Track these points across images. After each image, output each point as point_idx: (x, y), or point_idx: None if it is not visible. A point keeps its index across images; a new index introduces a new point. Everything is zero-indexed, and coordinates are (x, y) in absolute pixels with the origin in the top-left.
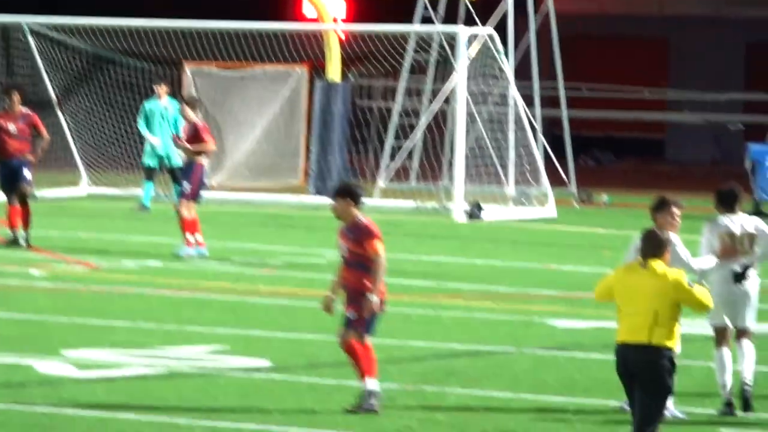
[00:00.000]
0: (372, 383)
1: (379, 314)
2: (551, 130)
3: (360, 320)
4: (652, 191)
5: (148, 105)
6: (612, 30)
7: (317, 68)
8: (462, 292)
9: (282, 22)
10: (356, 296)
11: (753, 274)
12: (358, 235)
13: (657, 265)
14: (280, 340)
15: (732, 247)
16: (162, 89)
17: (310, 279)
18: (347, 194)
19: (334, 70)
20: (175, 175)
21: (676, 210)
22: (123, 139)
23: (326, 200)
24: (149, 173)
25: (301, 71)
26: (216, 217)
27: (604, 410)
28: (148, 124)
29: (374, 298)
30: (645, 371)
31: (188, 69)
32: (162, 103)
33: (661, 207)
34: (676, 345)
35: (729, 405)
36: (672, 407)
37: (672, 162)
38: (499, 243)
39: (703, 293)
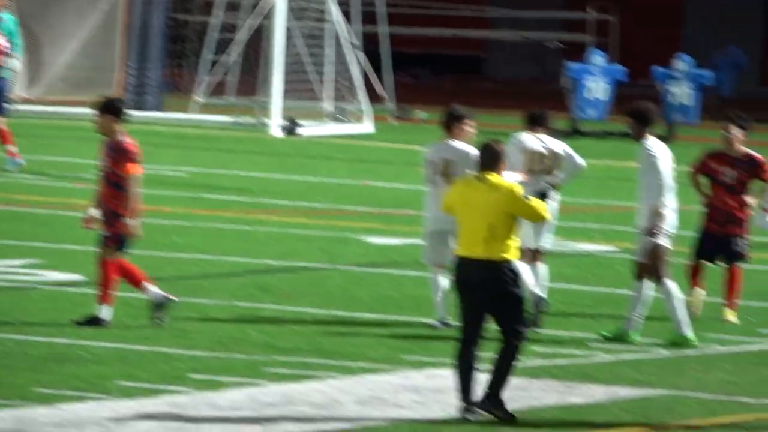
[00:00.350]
0: (105, 311)
1: (135, 236)
2: (370, 46)
3: (113, 238)
4: (471, 108)
5: None
6: None
7: None
8: (277, 207)
9: None
10: (110, 215)
11: (553, 196)
12: (117, 154)
13: (493, 178)
14: (95, 254)
15: (532, 164)
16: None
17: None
18: (110, 110)
19: None
20: (3, 87)
21: (469, 122)
22: None
23: (144, 114)
24: None
25: None
26: (32, 130)
27: (417, 326)
28: None
29: (130, 221)
30: (490, 287)
31: None
32: None
33: (455, 119)
34: (514, 256)
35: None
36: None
37: (490, 79)
38: (315, 159)
39: (539, 205)
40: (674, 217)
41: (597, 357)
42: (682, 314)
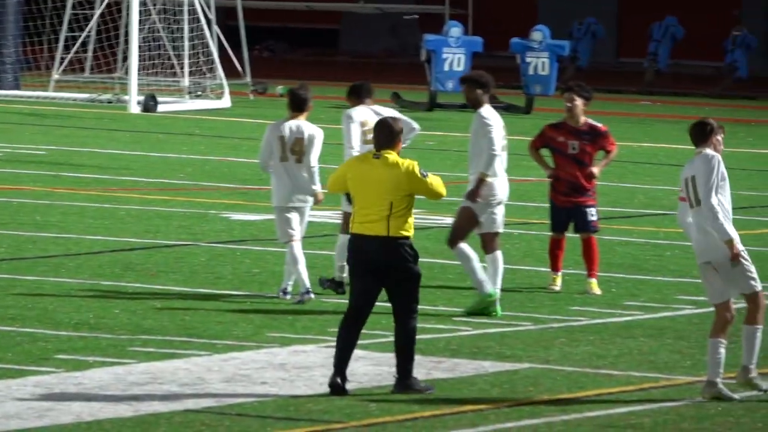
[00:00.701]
0: None
1: None
2: (226, 20)
3: None
4: (327, 83)
5: None
6: None
7: None
8: (138, 185)
9: None
10: None
11: None
12: None
13: (390, 155)
14: None
15: (366, 136)
16: None
17: None
18: None
19: None
20: None
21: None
22: None
23: (1, 93)
24: None
25: None
26: None
27: (281, 303)
28: None
29: None
30: (390, 264)
31: None
32: None
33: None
34: (411, 232)
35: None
36: None
37: (347, 53)
38: (174, 135)
39: (437, 182)
40: (503, 186)
41: (462, 331)
42: (481, 274)
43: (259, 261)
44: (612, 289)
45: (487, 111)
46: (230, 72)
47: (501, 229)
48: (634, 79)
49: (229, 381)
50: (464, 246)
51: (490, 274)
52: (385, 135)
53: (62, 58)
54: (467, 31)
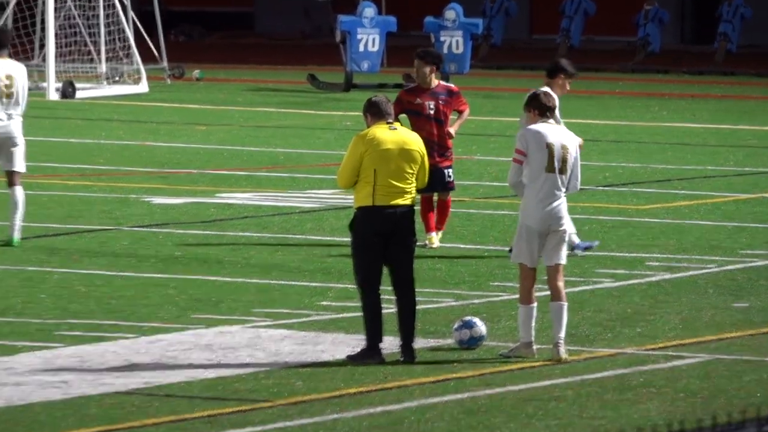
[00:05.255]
0: None
1: None
2: (141, 6)
3: None
4: (243, 66)
5: None
6: None
7: None
8: (59, 171)
9: None
10: None
11: None
12: None
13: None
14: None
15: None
16: None
17: None
18: None
19: None
20: None
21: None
22: None
23: None
24: None
25: None
26: None
27: (204, 285)
28: None
29: None
30: (405, 231)
31: None
32: None
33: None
34: None
35: None
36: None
37: (262, 35)
38: (93, 121)
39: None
40: None
41: (388, 309)
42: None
43: (180, 244)
44: None
45: None
46: (147, 57)
47: None
48: (548, 56)
49: (157, 363)
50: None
51: None
52: (383, 108)
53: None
54: (381, 11)
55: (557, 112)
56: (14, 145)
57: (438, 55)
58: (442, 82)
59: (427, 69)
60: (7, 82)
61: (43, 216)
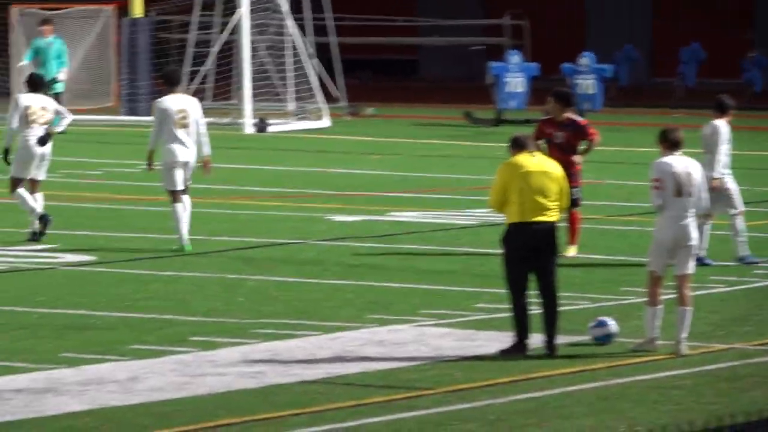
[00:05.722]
0: None
1: None
2: (323, 54)
3: None
4: (410, 104)
5: (36, 43)
6: None
7: (123, 7)
8: (254, 193)
9: None
10: None
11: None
12: None
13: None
14: (105, 238)
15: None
16: (47, 29)
17: (126, 186)
18: None
19: (136, 9)
20: (59, 100)
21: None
22: None
23: (137, 118)
24: None
25: (109, 10)
26: None
27: (378, 290)
28: (36, 58)
29: None
30: (549, 244)
31: (15, 10)
32: (47, 41)
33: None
34: None
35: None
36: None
37: (425, 79)
38: (283, 151)
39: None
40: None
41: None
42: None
43: (357, 255)
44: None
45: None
46: (328, 97)
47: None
48: (667, 96)
49: (337, 356)
50: None
51: None
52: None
53: (187, 89)
54: (525, 58)
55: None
56: (190, 168)
57: (566, 94)
58: (572, 116)
59: (557, 105)
60: (182, 115)
61: (241, 231)
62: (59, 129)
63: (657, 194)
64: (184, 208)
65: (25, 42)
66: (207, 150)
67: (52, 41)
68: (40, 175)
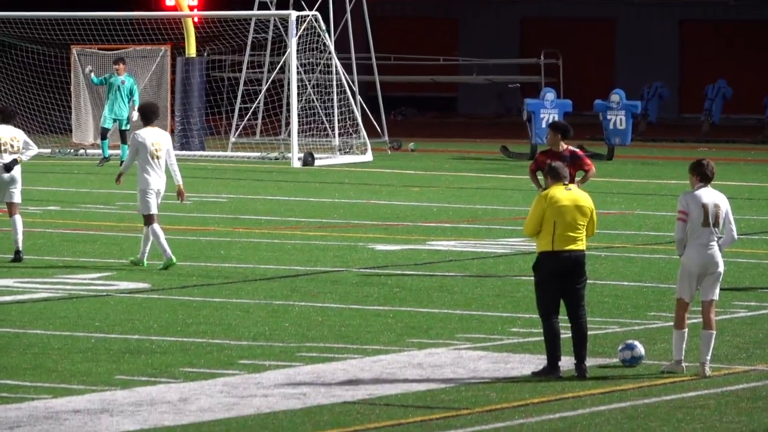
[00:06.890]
0: None
1: None
2: (367, 92)
3: None
4: (449, 139)
5: (110, 80)
6: (413, 11)
7: (177, 47)
8: (301, 224)
9: (148, 11)
10: None
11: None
12: None
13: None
14: (158, 266)
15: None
16: (121, 68)
17: (180, 217)
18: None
19: (191, 48)
20: (125, 136)
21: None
22: (28, 107)
23: (190, 153)
24: (105, 133)
25: (164, 49)
26: (103, 169)
27: (418, 316)
28: (110, 94)
29: None
30: (579, 270)
31: (75, 50)
32: (120, 78)
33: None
34: None
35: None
36: None
37: (463, 115)
38: (328, 184)
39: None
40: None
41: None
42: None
43: (399, 282)
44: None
45: None
46: (371, 133)
47: None
48: (694, 131)
49: (378, 378)
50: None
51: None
52: (558, 172)
53: (237, 125)
54: (559, 95)
55: None
56: (161, 194)
57: (564, 126)
58: (570, 147)
59: (556, 137)
60: (156, 147)
61: (288, 260)
62: (25, 158)
63: (680, 227)
64: (160, 228)
65: (86, 82)
66: (178, 179)
67: (124, 79)
68: (15, 198)
